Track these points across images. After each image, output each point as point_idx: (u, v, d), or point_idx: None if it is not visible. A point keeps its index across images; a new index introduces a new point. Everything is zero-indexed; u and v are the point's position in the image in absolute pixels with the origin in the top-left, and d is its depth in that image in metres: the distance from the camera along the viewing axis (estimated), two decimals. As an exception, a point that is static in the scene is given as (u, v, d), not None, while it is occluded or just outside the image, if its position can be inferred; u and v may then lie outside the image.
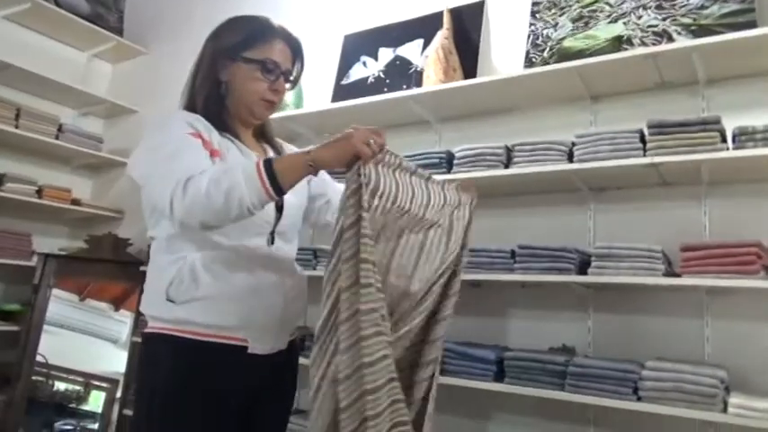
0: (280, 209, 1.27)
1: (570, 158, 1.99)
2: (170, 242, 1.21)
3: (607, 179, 2.05)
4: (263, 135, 1.40)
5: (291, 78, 1.33)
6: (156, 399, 1.16)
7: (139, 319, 2.99)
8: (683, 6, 2.07)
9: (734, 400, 1.56)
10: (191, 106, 1.28)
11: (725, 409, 1.57)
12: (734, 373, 1.71)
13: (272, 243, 1.26)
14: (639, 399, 1.68)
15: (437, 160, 2.23)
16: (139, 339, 2.89)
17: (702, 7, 2.03)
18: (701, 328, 1.88)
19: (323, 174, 1.44)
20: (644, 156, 1.83)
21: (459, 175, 2.15)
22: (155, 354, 1.20)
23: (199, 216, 1.07)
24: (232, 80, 1.28)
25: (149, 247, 3.22)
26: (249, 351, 1.20)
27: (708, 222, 1.93)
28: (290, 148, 1.45)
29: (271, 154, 1.37)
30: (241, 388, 1.20)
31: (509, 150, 2.12)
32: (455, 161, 2.19)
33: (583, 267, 1.90)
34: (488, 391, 1.93)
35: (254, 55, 1.26)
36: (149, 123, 1.28)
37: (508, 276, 1.99)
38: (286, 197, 1.28)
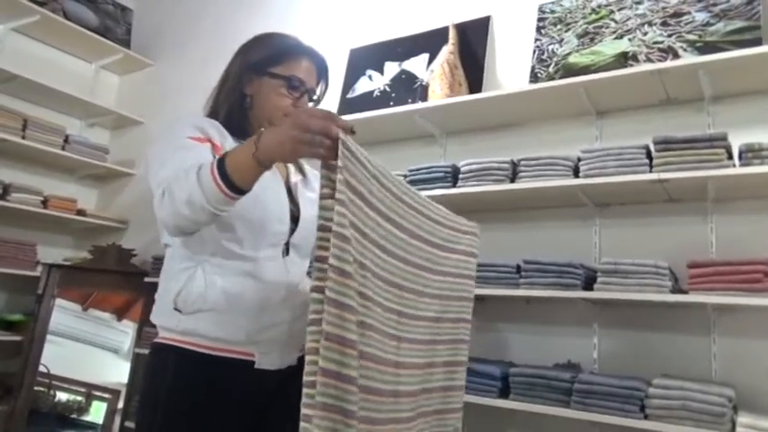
0: (296, 220, 1.26)
1: (576, 174, 1.99)
2: (183, 250, 1.20)
3: (613, 195, 2.05)
4: None
5: (315, 98, 1.34)
6: (160, 410, 1.14)
7: (143, 330, 2.99)
8: (689, 23, 2.08)
9: (742, 419, 1.54)
10: (213, 116, 1.29)
11: (733, 429, 1.55)
12: (742, 392, 1.70)
13: (287, 254, 1.24)
14: (646, 417, 1.66)
15: (442, 174, 2.23)
16: (142, 350, 2.90)
17: (708, 24, 2.04)
18: (708, 346, 1.86)
19: None
20: (650, 172, 1.83)
21: (464, 189, 2.15)
22: (160, 365, 1.18)
23: (172, 222, 1.05)
24: (257, 94, 1.29)
25: (153, 258, 3.22)
26: (256, 366, 1.18)
27: (714, 239, 1.92)
28: (309, 169, 1.43)
29: (291, 171, 1.36)
30: (248, 403, 1.18)
31: (515, 165, 2.12)
32: (460, 175, 2.20)
33: (588, 283, 1.90)
34: (493, 407, 1.91)
35: (281, 71, 1.27)
36: (160, 129, 1.26)
37: (513, 291, 1.99)
38: (303, 209, 1.28)
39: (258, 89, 1.28)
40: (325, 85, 1.37)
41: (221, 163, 1.00)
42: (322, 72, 1.35)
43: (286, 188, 1.29)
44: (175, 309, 1.16)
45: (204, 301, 1.15)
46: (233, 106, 1.28)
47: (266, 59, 1.28)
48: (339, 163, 0.91)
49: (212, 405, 1.14)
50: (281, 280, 1.22)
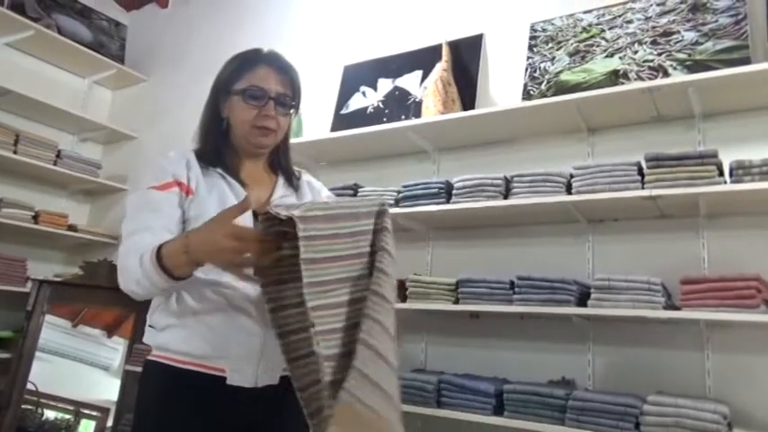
0: None
1: (569, 190, 2.00)
2: None
3: (605, 211, 2.06)
4: (278, 165, 1.40)
5: (290, 103, 1.31)
6: (140, 424, 1.21)
7: (133, 347, 2.95)
8: (678, 42, 2.11)
9: (736, 436, 1.54)
10: (199, 143, 1.33)
11: (728, 446, 1.55)
12: (736, 409, 1.70)
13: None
14: (641, 434, 1.66)
15: (436, 190, 2.24)
16: (132, 367, 2.86)
17: (697, 43, 2.07)
18: (702, 362, 1.86)
19: None
20: (642, 188, 1.84)
21: (457, 205, 2.15)
22: (142, 380, 1.24)
23: (129, 293, 1.14)
24: (230, 114, 1.31)
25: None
26: (228, 382, 1.18)
27: (706, 255, 1.93)
28: (309, 180, 1.44)
29: (280, 183, 1.36)
30: (224, 421, 1.17)
31: (508, 181, 2.13)
32: (454, 191, 2.20)
33: (582, 299, 1.90)
34: (487, 424, 1.90)
35: (241, 85, 1.28)
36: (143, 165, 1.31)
37: (507, 308, 1.98)
38: None
39: (230, 109, 1.30)
40: (296, 88, 1.33)
41: (159, 253, 1.06)
42: (287, 75, 1.31)
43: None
44: (150, 325, 1.23)
45: (174, 318, 1.20)
46: (209, 132, 1.32)
47: (229, 78, 1.30)
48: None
49: (186, 420, 1.15)
50: (249, 299, 1.21)
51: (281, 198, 1.33)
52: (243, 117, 1.28)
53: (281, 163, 1.40)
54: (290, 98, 1.31)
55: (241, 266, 1.03)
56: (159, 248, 1.06)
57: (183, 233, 1.10)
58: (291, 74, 1.32)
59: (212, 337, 1.18)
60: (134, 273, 1.08)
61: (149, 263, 1.06)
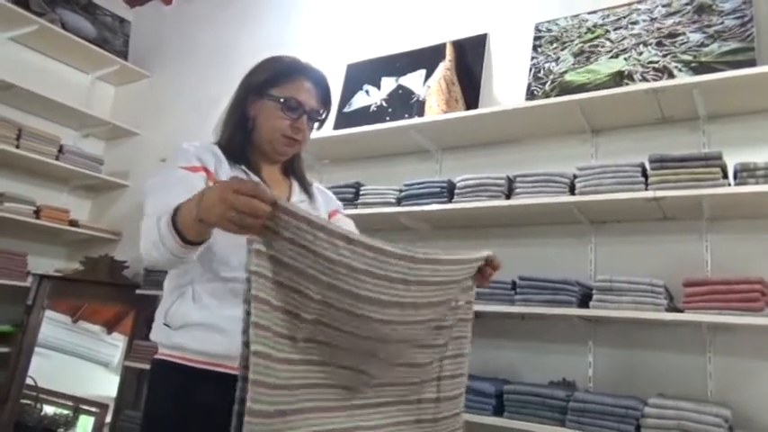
0: None
1: (572, 191, 1.99)
2: (177, 270, 1.24)
3: (608, 212, 2.05)
4: (292, 171, 1.42)
5: (319, 118, 1.36)
6: (152, 423, 1.20)
7: (133, 343, 2.95)
8: (684, 44, 2.10)
9: (738, 440, 1.53)
10: (221, 139, 1.33)
11: (729, 450, 1.54)
12: (737, 412, 1.69)
13: None
14: (642, 437, 1.65)
15: (438, 189, 2.23)
16: (132, 363, 2.86)
17: (702, 45, 2.06)
18: (704, 365, 1.85)
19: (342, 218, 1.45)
20: (646, 190, 1.83)
21: (460, 204, 2.15)
22: (154, 379, 1.24)
23: (147, 260, 1.11)
24: (258, 115, 1.32)
25: (145, 270, 3.18)
26: None
27: (709, 258, 1.92)
28: (318, 188, 1.47)
29: (296, 189, 1.38)
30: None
31: (510, 181, 2.13)
32: (456, 191, 2.19)
33: (584, 300, 1.89)
34: (487, 425, 1.89)
35: (279, 93, 1.30)
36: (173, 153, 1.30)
37: (508, 308, 1.98)
38: None
39: (259, 111, 1.31)
40: (328, 106, 1.38)
41: (175, 216, 1.02)
42: (323, 92, 1.36)
43: None
44: (165, 324, 1.21)
45: (190, 317, 1.18)
46: (235, 129, 1.32)
47: (266, 81, 1.31)
48: (261, 247, 0.88)
49: (199, 418, 1.14)
50: None
51: (300, 203, 1.35)
52: (275, 124, 1.30)
53: (294, 169, 1.43)
54: (320, 114, 1.35)
55: (234, 227, 0.88)
56: (176, 210, 1.03)
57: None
58: (327, 92, 1.36)
59: (224, 336, 1.17)
60: (152, 234, 1.05)
61: (165, 224, 1.03)
